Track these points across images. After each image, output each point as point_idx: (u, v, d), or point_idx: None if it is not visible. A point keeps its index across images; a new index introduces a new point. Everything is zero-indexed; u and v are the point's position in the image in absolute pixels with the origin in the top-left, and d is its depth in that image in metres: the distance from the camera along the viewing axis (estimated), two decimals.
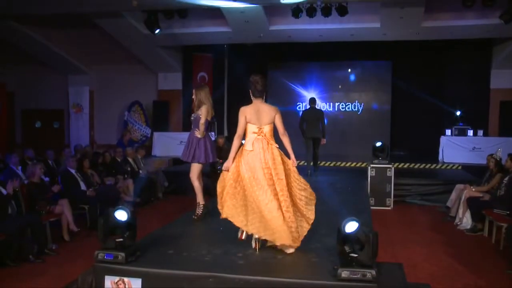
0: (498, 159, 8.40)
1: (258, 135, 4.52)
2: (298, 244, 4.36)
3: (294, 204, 4.45)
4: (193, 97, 5.86)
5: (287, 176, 4.47)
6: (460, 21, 11.36)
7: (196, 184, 5.89)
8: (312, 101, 10.48)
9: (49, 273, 5.79)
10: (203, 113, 5.78)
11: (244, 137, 4.64)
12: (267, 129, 4.55)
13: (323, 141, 10.23)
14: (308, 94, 15.41)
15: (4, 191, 6.46)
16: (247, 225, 4.38)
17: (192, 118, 5.90)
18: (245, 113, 4.58)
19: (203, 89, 5.93)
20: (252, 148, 4.49)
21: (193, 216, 5.86)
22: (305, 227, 4.50)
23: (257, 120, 4.55)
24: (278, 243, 4.36)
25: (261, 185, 4.35)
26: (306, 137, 10.14)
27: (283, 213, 4.29)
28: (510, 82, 13.44)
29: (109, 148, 12.35)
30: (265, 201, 4.30)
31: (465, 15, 11.20)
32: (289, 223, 4.28)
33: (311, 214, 4.53)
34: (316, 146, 10.23)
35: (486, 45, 13.36)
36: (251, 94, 4.66)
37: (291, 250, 4.39)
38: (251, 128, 4.56)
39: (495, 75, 13.57)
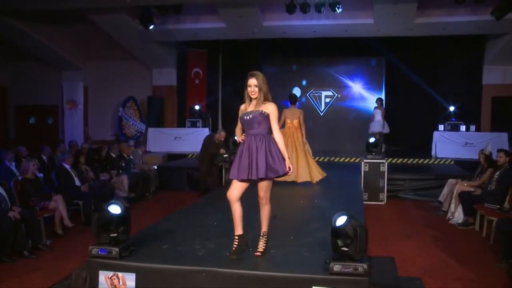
0: (488, 154, 8.46)
1: (290, 125, 8.45)
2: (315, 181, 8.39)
3: (308, 161, 8.43)
4: (257, 87, 4.09)
5: (303, 148, 8.47)
6: (452, 17, 11.44)
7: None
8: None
9: (44, 269, 5.81)
10: (271, 112, 4.16)
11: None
12: (296, 122, 8.48)
13: None
14: (302, 89, 15.48)
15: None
16: None
17: (248, 117, 4.13)
18: (285, 113, 8.46)
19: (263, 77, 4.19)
20: (286, 132, 8.30)
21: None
22: (318, 176, 8.43)
23: (291, 117, 8.49)
24: (299, 181, 8.27)
25: (291, 150, 8.11)
26: None
27: (299, 164, 8.21)
28: (501, 78, 13.57)
29: (103, 143, 12.35)
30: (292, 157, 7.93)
31: (457, 12, 11.29)
32: (304, 168, 8.28)
33: (321, 172, 8.59)
34: None
35: (478, 42, 13.40)
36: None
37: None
38: (287, 121, 8.45)
39: (487, 71, 13.66)
